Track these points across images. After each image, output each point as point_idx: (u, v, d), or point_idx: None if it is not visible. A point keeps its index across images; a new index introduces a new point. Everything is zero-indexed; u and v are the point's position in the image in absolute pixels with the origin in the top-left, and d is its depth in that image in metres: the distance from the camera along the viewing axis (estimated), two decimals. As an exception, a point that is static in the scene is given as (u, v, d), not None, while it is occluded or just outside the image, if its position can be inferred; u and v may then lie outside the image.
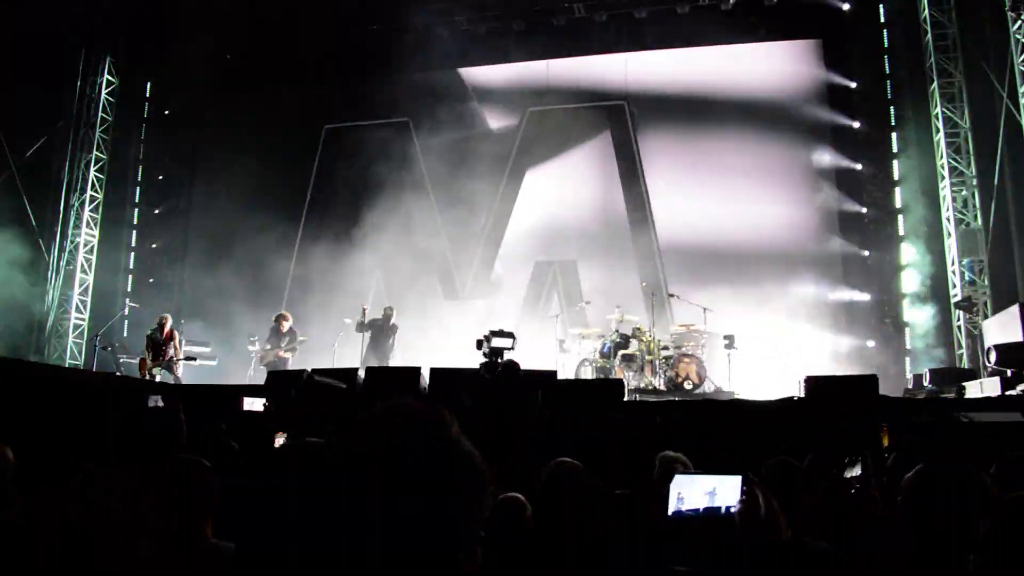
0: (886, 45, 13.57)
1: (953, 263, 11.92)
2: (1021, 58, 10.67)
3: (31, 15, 13.45)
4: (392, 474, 1.09)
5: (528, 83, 14.87)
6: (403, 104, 15.28)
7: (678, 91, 14.07)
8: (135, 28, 15.86)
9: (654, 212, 14.00)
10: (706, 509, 2.24)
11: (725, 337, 11.05)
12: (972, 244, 11.76)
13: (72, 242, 15.16)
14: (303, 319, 12.69)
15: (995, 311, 11.00)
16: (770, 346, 11.49)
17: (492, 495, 1.18)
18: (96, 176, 15.41)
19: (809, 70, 13.69)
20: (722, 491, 2.25)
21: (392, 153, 15.03)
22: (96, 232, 15.44)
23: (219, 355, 13.30)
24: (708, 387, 10.74)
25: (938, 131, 12.20)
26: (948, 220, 12.03)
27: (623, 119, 14.41)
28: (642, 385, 10.77)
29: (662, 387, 10.68)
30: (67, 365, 14.11)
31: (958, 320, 11.84)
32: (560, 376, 8.95)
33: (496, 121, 15.10)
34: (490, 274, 14.68)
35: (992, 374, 8.51)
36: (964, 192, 12.01)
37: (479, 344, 8.25)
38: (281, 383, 7.51)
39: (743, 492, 2.19)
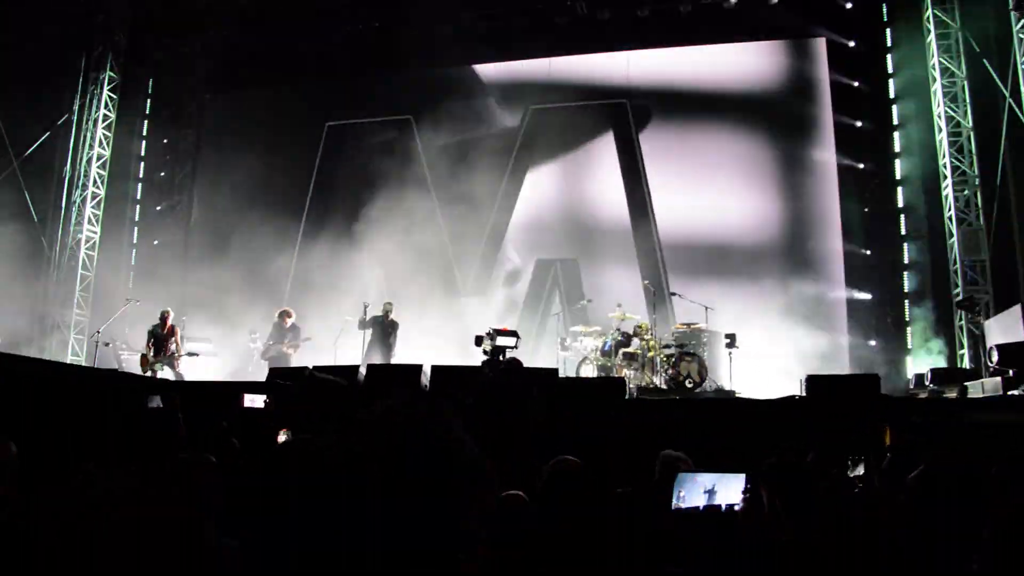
0: (889, 44, 13.55)
1: (955, 263, 11.90)
2: None
3: (34, 11, 13.46)
4: (392, 474, 1.09)
5: (530, 81, 14.84)
6: (405, 101, 15.27)
7: (680, 89, 14.06)
8: (137, 24, 15.85)
9: (656, 210, 13.97)
10: (707, 507, 2.24)
11: (727, 336, 11.01)
12: (974, 244, 11.74)
13: (74, 238, 15.15)
14: (304, 316, 12.68)
15: (997, 311, 11.00)
16: (771, 345, 11.46)
17: (494, 494, 1.18)
18: (98, 172, 15.40)
19: (812, 69, 13.66)
20: (723, 489, 2.25)
21: (393, 150, 15.04)
22: (98, 228, 15.43)
23: (220, 351, 13.32)
24: (709, 386, 10.72)
25: (940, 130, 12.18)
26: (950, 220, 12.01)
27: (625, 117, 14.39)
28: (643, 384, 10.75)
29: (663, 386, 10.65)
30: (68, 361, 14.11)
31: (960, 320, 11.83)
32: (561, 374, 8.95)
33: (498, 119, 15.08)
34: (491, 272, 14.67)
35: (994, 374, 8.50)
36: (966, 192, 11.99)
37: (478, 341, 8.24)
38: (282, 379, 7.51)
39: (746, 491, 2.20)
